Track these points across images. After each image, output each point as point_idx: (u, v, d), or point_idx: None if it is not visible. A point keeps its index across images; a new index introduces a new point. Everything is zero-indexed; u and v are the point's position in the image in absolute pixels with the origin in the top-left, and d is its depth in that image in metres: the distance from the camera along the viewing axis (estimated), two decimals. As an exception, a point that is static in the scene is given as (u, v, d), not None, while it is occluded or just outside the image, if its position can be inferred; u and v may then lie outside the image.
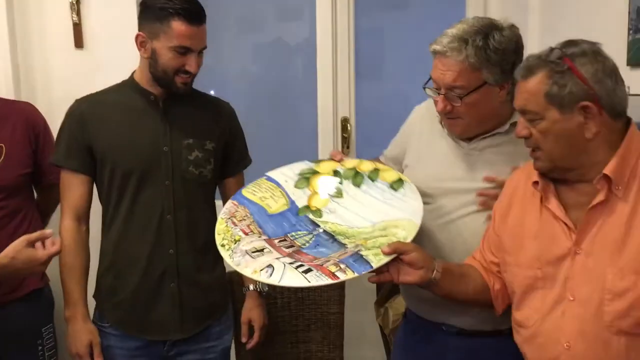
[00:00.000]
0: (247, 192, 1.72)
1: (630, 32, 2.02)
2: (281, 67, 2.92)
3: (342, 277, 1.40)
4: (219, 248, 1.55)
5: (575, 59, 1.28)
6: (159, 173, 1.78)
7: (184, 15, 1.68)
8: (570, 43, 1.33)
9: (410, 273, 1.44)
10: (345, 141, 2.78)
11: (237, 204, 1.68)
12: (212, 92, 2.07)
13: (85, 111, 1.81)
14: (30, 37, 2.45)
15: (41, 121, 2.15)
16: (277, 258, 1.48)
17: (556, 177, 1.37)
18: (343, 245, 1.55)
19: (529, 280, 1.40)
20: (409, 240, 1.49)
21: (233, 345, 2.06)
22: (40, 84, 2.48)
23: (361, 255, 1.46)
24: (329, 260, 1.46)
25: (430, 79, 1.60)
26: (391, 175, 1.72)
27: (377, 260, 1.44)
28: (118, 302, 1.82)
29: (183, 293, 1.82)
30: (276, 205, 1.68)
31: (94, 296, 1.89)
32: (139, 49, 1.77)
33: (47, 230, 1.58)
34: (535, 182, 1.40)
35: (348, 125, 2.78)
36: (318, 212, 1.67)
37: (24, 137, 2.05)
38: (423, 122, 1.79)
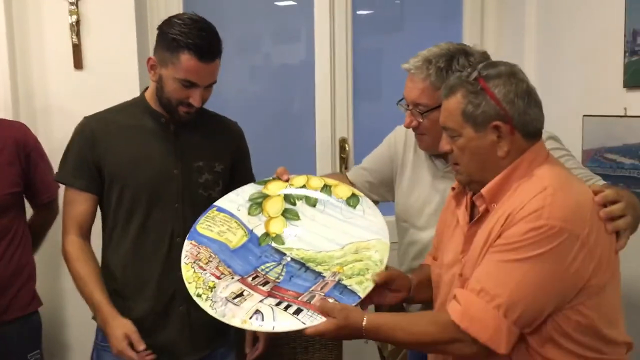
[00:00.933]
0: (202, 228, 1.66)
1: (626, 54, 2.04)
2: (279, 88, 2.94)
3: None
4: (195, 299, 1.50)
5: (489, 80, 1.34)
6: (168, 196, 1.77)
7: (194, 51, 1.65)
8: (489, 65, 1.40)
9: (392, 297, 1.54)
10: (344, 161, 2.79)
11: (196, 244, 1.62)
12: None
13: (95, 130, 1.78)
14: (29, 57, 2.45)
15: (32, 140, 2.15)
16: (260, 301, 1.46)
17: (474, 189, 1.42)
18: (317, 273, 1.53)
19: (435, 277, 1.56)
20: (384, 261, 1.51)
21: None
22: (39, 105, 2.48)
23: (345, 286, 1.47)
24: (314, 296, 1.46)
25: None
26: (344, 190, 1.71)
27: (363, 289, 1.46)
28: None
29: (192, 315, 1.79)
30: (236, 238, 1.64)
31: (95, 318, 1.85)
32: (149, 72, 1.76)
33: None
34: (453, 189, 1.53)
35: (346, 145, 2.79)
36: (279, 239, 1.65)
37: (12, 156, 2.04)
38: (407, 145, 1.90)
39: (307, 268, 1.56)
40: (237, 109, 2.86)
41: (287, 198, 1.72)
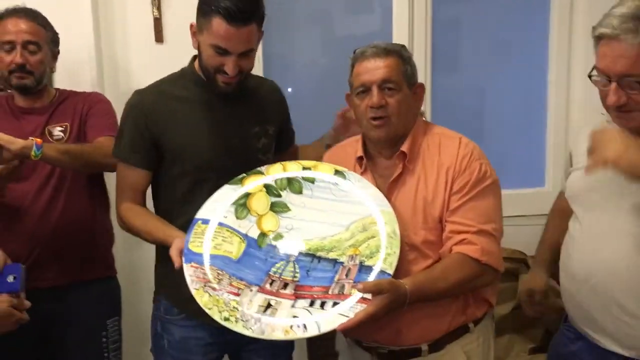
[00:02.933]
0: (196, 246, 1.54)
1: None
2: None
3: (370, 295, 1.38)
4: (224, 323, 1.40)
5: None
6: (232, 166, 1.74)
7: (224, 15, 1.59)
8: None
9: None
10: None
11: (197, 265, 1.51)
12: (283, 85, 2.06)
13: (149, 104, 1.77)
14: (113, 31, 2.52)
15: (95, 98, 2.17)
16: (292, 306, 1.42)
17: (379, 149, 1.65)
18: (333, 261, 1.49)
19: None
20: (397, 231, 1.49)
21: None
22: (122, 78, 2.55)
23: (370, 267, 1.44)
24: (343, 285, 1.42)
25: (594, 68, 1.42)
26: (325, 168, 1.65)
27: (389, 264, 1.43)
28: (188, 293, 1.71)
29: None
30: (234, 247, 1.55)
31: (156, 292, 1.88)
32: (192, 39, 1.74)
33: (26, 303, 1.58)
34: (360, 158, 1.66)
35: (424, 118, 2.72)
36: (278, 236, 1.57)
37: (80, 116, 2.11)
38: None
39: (320, 258, 1.50)
40: (308, 81, 2.85)
41: (270, 190, 1.65)
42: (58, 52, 2.15)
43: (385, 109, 1.57)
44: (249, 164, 1.75)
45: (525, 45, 2.83)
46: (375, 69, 1.58)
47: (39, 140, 1.83)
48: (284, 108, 1.96)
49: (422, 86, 1.69)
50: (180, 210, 1.75)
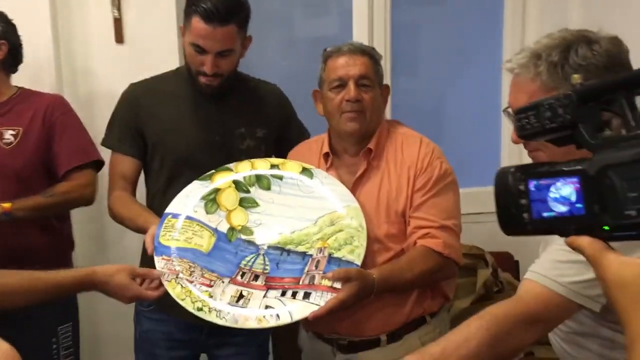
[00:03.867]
0: (166, 240, 1.56)
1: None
2: (311, 63, 2.92)
3: (340, 285, 1.44)
4: (197, 313, 1.43)
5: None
6: (210, 162, 1.76)
7: (201, 14, 1.65)
8: None
9: None
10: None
11: (169, 258, 1.53)
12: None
13: (139, 96, 1.83)
14: (72, 31, 2.50)
15: (59, 111, 2.10)
16: (264, 296, 1.46)
17: (346, 145, 1.70)
18: (302, 253, 1.53)
19: None
20: (364, 224, 1.55)
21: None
22: (81, 78, 2.53)
23: (339, 258, 1.49)
24: (313, 276, 1.47)
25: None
26: (293, 166, 1.70)
27: (357, 256, 1.50)
28: None
29: None
30: (205, 240, 1.58)
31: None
32: (182, 40, 1.79)
33: (156, 272, 1.51)
34: (326, 154, 1.71)
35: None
36: (247, 230, 1.61)
37: (41, 124, 2.04)
38: None
39: (289, 251, 1.55)
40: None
41: (239, 186, 1.68)
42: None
43: (361, 104, 1.63)
44: (228, 163, 1.76)
45: (481, 51, 2.91)
46: (352, 65, 1.64)
47: (6, 205, 1.83)
48: (284, 113, 1.97)
49: (387, 88, 1.76)
50: (161, 200, 1.78)
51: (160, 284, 1.49)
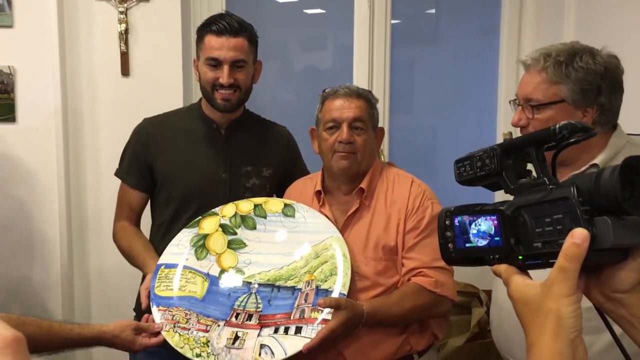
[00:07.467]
0: (161, 290, 1.62)
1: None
2: (308, 96, 2.98)
3: (330, 316, 1.47)
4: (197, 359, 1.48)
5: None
6: (216, 199, 1.81)
7: (213, 30, 1.76)
8: None
9: None
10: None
11: (165, 308, 1.59)
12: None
13: (150, 132, 1.89)
14: (79, 64, 2.56)
15: None
16: (258, 335, 1.50)
17: (339, 184, 1.74)
18: (292, 288, 1.58)
19: None
20: (347, 253, 1.59)
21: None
22: (87, 109, 2.58)
23: (326, 289, 1.53)
24: (303, 310, 1.51)
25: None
26: (276, 204, 1.75)
27: (343, 285, 1.53)
28: None
29: None
30: (198, 287, 1.63)
31: (135, 309, 1.90)
32: (195, 74, 1.86)
33: (157, 325, 1.57)
34: (318, 192, 1.75)
35: (382, 156, 2.82)
36: (238, 271, 1.65)
37: None
38: None
39: (279, 287, 1.59)
40: (269, 115, 2.90)
41: (226, 230, 1.73)
42: None
43: (353, 146, 1.69)
44: (233, 200, 1.81)
45: (477, 89, 2.98)
46: (347, 108, 1.70)
47: None
48: (291, 154, 2.03)
49: (382, 130, 1.82)
50: (166, 232, 1.84)
51: (159, 332, 1.55)
